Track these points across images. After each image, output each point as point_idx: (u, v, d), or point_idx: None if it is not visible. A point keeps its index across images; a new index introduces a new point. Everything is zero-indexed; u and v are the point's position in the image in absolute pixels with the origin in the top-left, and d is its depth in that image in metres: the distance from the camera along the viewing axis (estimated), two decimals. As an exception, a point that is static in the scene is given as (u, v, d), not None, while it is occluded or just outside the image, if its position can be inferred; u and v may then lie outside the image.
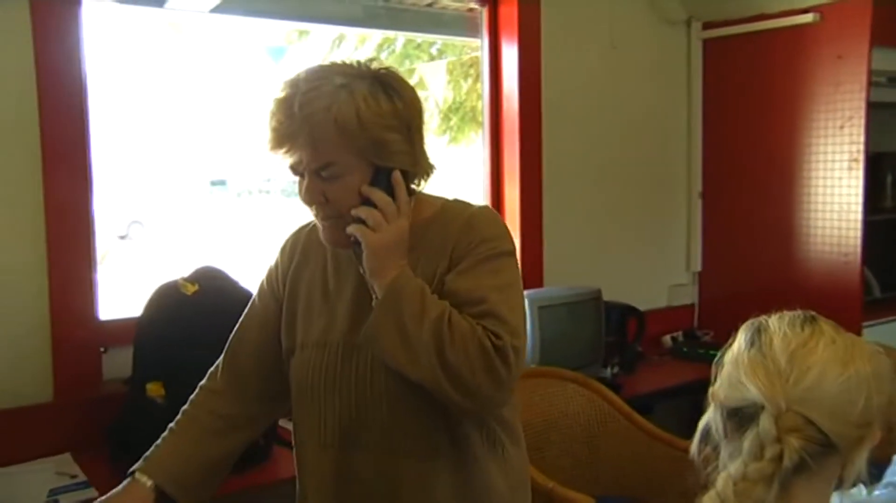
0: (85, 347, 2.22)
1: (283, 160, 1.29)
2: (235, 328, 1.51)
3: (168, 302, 2.10)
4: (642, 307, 3.15)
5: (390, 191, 1.29)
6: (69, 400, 2.17)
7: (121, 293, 2.99)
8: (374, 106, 1.25)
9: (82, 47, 2.18)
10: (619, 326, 3.07)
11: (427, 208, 1.40)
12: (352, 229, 1.29)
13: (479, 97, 3.22)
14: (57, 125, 2.15)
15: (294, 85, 1.26)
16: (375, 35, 4.20)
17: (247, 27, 3.04)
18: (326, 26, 3.31)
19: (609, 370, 2.96)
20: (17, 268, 2.12)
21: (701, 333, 3.53)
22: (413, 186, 1.36)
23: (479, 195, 3.15)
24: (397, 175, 1.29)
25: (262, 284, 1.52)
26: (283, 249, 1.51)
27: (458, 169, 3.70)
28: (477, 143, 3.24)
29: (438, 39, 4.08)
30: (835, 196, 3.11)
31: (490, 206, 1.39)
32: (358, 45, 5.08)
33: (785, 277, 3.27)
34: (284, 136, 1.25)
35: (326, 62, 1.31)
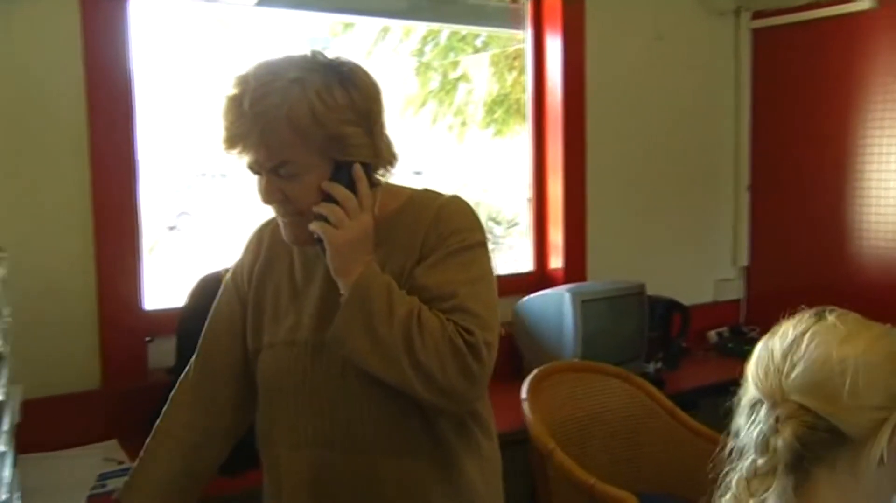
0: (131, 337, 2.25)
1: (238, 160, 1.24)
2: (203, 332, 1.47)
3: (210, 292, 2.09)
4: (687, 302, 3.09)
5: (352, 185, 1.25)
6: (116, 388, 2.21)
7: (169, 283, 3.03)
8: (330, 100, 1.21)
9: (129, 43, 2.21)
10: (663, 321, 3.03)
11: (394, 199, 1.35)
12: (313, 227, 1.25)
13: (524, 90, 3.19)
14: (104, 120, 2.18)
15: (244, 82, 1.21)
16: (420, 27, 4.18)
17: (290, 20, 3.05)
18: (371, 19, 3.30)
19: (652, 365, 2.92)
20: (66, 260, 2.16)
21: (747, 329, 3.46)
22: (378, 177, 1.31)
23: (522, 188, 3.12)
24: (358, 169, 1.25)
25: (226, 283, 1.47)
26: (247, 247, 1.46)
27: (502, 162, 3.68)
28: (521, 136, 3.22)
29: (483, 31, 4.06)
30: (890, 190, 3.02)
31: (460, 196, 1.36)
32: (403, 37, 5.08)
33: (837, 272, 3.19)
34: (236, 136, 1.21)
35: (279, 55, 1.25)
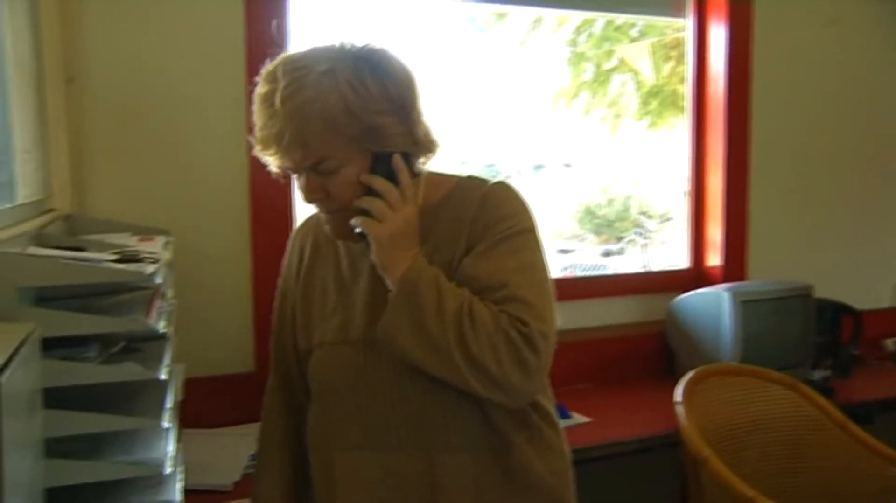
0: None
1: (274, 161, 1.21)
2: (272, 338, 1.47)
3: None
4: (859, 306, 2.89)
5: (392, 176, 1.20)
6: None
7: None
8: (362, 90, 1.16)
9: (288, 34, 2.26)
10: (832, 326, 2.84)
11: (439, 188, 1.30)
12: (355, 221, 1.21)
13: (681, 80, 3.08)
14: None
15: (273, 79, 1.17)
16: (574, 17, 4.11)
17: (441, 11, 3.05)
18: (524, 8, 3.26)
19: (818, 373, 2.73)
20: (224, 245, 2.24)
21: (930, 339, 3.18)
22: (420, 165, 1.26)
23: (677, 182, 3.01)
24: (398, 159, 1.20)
25: (280, 285, 1.45)
26: (292, 246, 1.44)
27: (655, 155, 3.57)
28: (677, 129, 3.10)
29: (640, 20, 3.93)
30: None
31: (507, 182, 1.29)
32: (556, 27, 5.01)
33: None
34: (270, 137, 1.17)
35: (307, 47, 1.21)
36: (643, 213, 6.35)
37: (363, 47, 1.20)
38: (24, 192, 1.77)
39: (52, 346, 1.35)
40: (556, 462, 1.36)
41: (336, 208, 1.23)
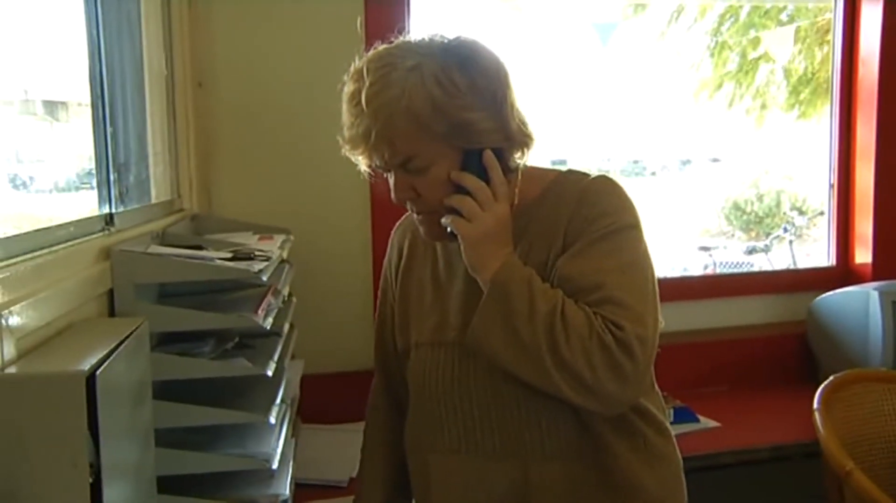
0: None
1: (363, 160, 1.19)
2: (375, 338, 1.45)
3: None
4: None
5: (483, 173, 1.15)
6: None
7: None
8: (449, 86, 1.11)
9: (410, 32, 2.27)
10: None
11: (536, 185, 1.24)
12: (445, 221, 1.16)
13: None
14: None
15: (359, 77, 1.14)
16: (718, 5, 3.94)
17: (579, 5, 2.99)
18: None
19: None
20: (344, 243, 2.28)
21: None
22: (517, 160, 1.20)
23: (823, 175, 2.83)
24: (489, 155, 1.15)
25: (381, 285, 1.43)
26: (391, 246, 1.42)
27: (807, 147, 3.37)
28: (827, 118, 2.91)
29: (789, 4, 3.72)
30: None
31: (608, 176, 1.22)
32: (698, 16, 4.83)
33: None
34: (358, 137, 1.14)
35: (392, 43, 1.17)
36: (795, 209, 6.03)
37: (452, 40, 1.16)
38: (157, 193, 1.87)
39: (173, 341, 1.42)
40: (664, 471, 1.28)
41: (427, 208, 1.20)
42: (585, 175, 1.24)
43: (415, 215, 1.24)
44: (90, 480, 0.89)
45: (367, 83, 1.12)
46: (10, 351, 0.91)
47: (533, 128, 1.21)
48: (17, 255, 1.05)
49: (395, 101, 1.11)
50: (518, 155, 1.21)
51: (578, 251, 1.16)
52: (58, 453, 0.87)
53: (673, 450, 1.31)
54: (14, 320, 0.92)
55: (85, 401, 0.88)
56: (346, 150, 1.20)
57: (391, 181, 1.20)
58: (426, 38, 1.17)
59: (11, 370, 0.90)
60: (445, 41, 1.16)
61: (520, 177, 1.24)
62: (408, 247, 1.37)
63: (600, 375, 1.08)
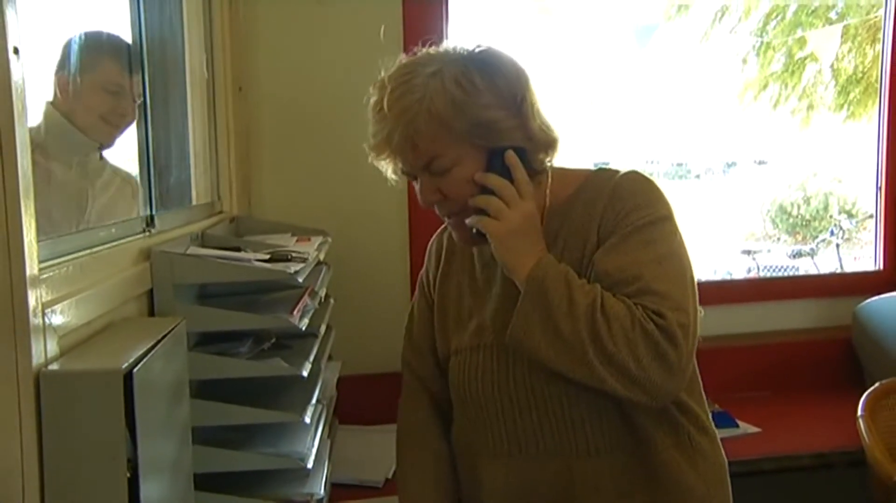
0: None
1: (389, 167, 1.21)
2: (405, 343, 1.43)
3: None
4: None
5: (507, 173, 1.16)
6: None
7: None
8: (469, 86, 1.13)
9: (447, 34, 2.29)
10: None
11: (567, 185, 1.24)
12: (471, 221, 1.17)
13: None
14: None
15: (382, 86, 1.17)
16: (763, 4, 3.88)
17: (619, 5, 2.97)
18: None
19: None
20: (382, 244, 2.29)
21: None
22: (543, 162, 1.21)
23: (869, 177, 2.77)
24: (511, 155, 1.16)
25: (417, 293, 1.43)
26: (429, 253, 1.42)
27: (856, 148, 3.31)
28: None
29: (838, 1, 3.66)
30: None
31: (638, 170, 1.23)
32: (743, 16, 4.76)
33: None
34: (382, 142, 1.17)
35: (414, 55, 1.20)
36: (845, 212, 5.91)
37: (473, 48, 1.19)
38: (197, 195, 1.90)
39: (212, 341, 1.44)
40: (708, 470, 1.27)
41: (455, 210, 1.21)
42: (616, 171, 1.24)
43: (446, 220, 1.26)
44: (128, 475, 0.91)
45: (388, 90, 1.16)
46: (52, 348, 0.93)
47: (557, 130, 1.22)
48: (60, 256, 1.08)
49: (416, 103, 1.14)
50: (543, 156, 1.22)
51: (614, 246, 1.17)
52: (96, 447, 0.90)
53: (718, 452, 1.30)
54: (57, 318, 0.95)
55: (122, 397, 0.90)
56: (371, 158, 1.22)
57: (417, 186, 1.22)
58: (447, 48, 1.20)
59: (54, 367, 0.92)
60: (467, 50, 1.19)
61: (550, 179, 1.25)
62: (445, 255, 1.38)
63: (645, 365, 1.08)
